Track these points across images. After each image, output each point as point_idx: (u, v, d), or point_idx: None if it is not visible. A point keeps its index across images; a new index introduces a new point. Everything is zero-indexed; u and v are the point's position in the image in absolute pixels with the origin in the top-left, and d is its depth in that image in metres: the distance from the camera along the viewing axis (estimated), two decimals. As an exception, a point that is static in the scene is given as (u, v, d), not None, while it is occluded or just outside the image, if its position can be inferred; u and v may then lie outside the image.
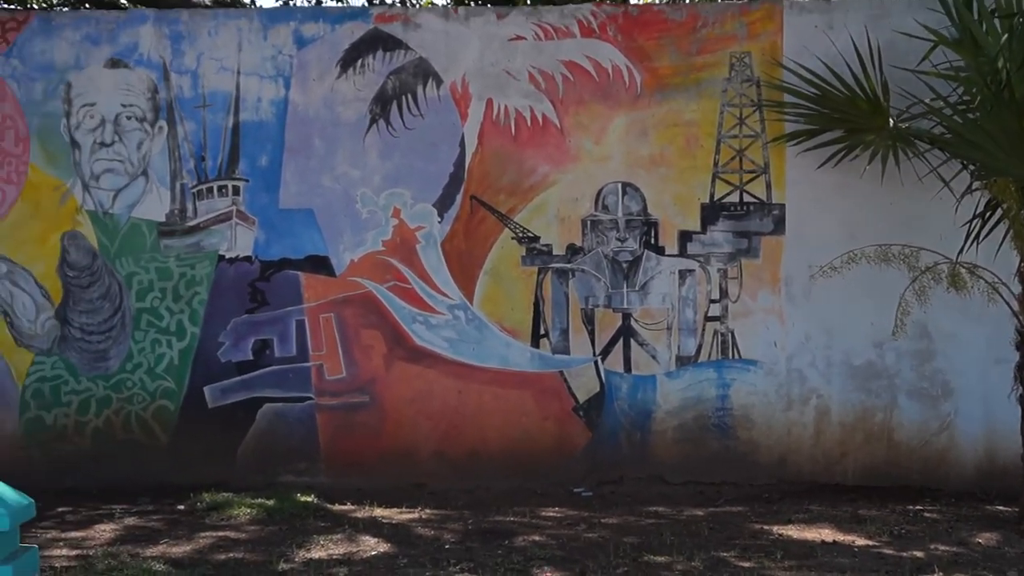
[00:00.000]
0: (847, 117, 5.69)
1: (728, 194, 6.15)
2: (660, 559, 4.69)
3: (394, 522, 5.48)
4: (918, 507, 5.65)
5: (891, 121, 5.55)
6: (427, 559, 4.70)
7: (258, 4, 11.26)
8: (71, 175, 6.18)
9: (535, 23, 6.21)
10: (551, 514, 5.69)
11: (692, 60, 6.13)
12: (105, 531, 5.34)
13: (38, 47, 6.16)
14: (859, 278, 5.95)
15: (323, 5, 10.79)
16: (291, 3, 11.29)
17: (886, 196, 5.80)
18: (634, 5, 7.17)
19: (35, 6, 9.96)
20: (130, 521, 5.56)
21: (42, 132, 6.16)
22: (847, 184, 5.89)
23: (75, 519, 5.61)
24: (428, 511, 5.71)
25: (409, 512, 5.69)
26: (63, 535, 5.23)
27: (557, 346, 6.19)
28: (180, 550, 4.91)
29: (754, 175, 6.16)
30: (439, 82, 6.22)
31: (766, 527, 5.26)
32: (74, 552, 4.86)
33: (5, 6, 9.25)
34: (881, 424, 6.07)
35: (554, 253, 6.18)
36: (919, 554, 4.64)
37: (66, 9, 9.35)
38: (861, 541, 4.92)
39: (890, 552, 4.70)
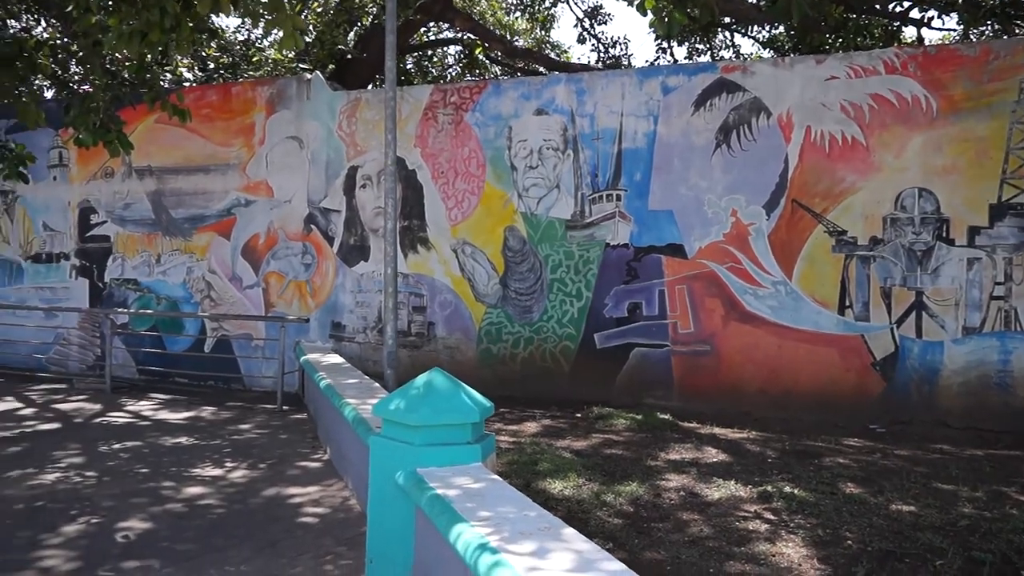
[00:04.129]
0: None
1: (1015, 196, 8.11)
2: (947, 487, 5.62)
3: (728, 438, 7.55)
4: None
5: None
6: (755, 468, 6.37)
7: (633, 64, 15.17)
8: (511, 189, 9.84)
9: (847, 65, 8.66)
10: (851, 443, 7.40)
11: (984, 87, 8.14)
12: (530, 427, 8.04)
13: (491, 103, 9.95)
14: None
15: (680, 62, 14.16)
16: (656, 63, 15.05)
17: None
18: (931, 45, 9.28)
19: (488, 76, 14.63)
20: (545, 422, 8.30)
21: (493, 160, 9.91)
22: None
23: (512, 418, 8.48)
24: (753, 433, 7.80)
25: (739, 432, 7.83)
26: (505, 428, 7.95)
27: (859, 315, 8.52)
28: (579, 444, 7.21)
29: (1039, 180, 8.00)
30: (768, 114, 8.91)
31: (1042, 470, 6.11)
32: (511, 440, 7.34)
33: (470, 78, 13.92)
34: None
35: (859, 243, 8.50)
36: None
37: (506, 77, 13.70)
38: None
39: None
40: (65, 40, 9.46)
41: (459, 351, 9.94)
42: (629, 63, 16.23)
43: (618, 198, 9.36)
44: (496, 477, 3.78)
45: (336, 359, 8.94)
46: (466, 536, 2.99)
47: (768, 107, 8.85)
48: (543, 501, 4.46)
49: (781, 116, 8.79)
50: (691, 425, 8.11)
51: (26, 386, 10.78)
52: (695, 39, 15.28)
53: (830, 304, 8.62)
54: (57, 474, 6.20)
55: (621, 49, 16.58)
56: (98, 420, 8.54)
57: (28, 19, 13.99)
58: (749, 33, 15.39)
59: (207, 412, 9.12)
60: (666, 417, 8.24)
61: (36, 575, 4.16)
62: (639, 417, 8.19)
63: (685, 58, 15.64)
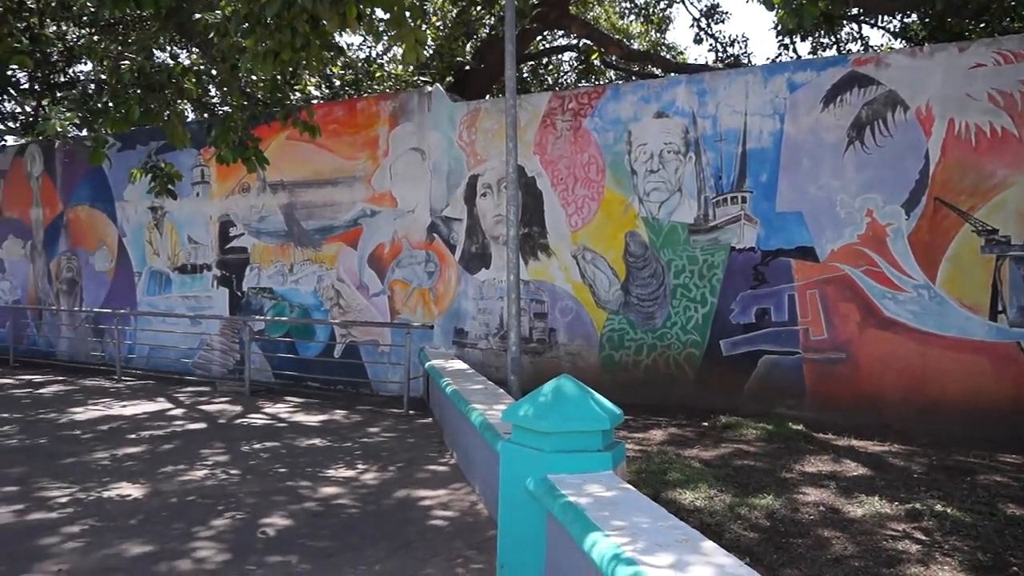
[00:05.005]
0: None
1: None
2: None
3: (868, 451, 7.17)
4: None
5: None
6: (900, 483, 6.04)
7: (752, 63, 14.82)
8: (631, 193, 9.73)
9: (995, 51, 8.05)
10: (1008, 459, 6.91)
11: None
12: (656, 436, 7.90)
13: (610, 108, 9.88)
14: None
15: (806, 58, 13.67)
16: (777, 60, 14.59)
17: None
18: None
19: (604, 81, 14.67)
20: (671, 431, 8.14)
21: (613, 165, 9.83)
22: None
23: (636, 426, 8.36)
24: (896, 446, 7.38)
25: (880, 445, 7.43)
26: (630, 436, 7.82)
27: (1015, 320, 7.88)
28: (708, 454, 7.03)
29: None
30: (905, 108, 8.39)
31: None
32: (638, 448, 7.23)
33: (586, 84, 14.00)
34: None
35: (1012, 243, 7.90)
36: None
37: (622, 81, 13.65)
38: None
39: None
40: (205, 65, 10.06)
41: (581, 357, 9.90)
42: (749, 62, 15.76)
43: (743, 200, 9.09)
44: (628, 486, 3.72)
45: (460, 365, 9.08)
46: (601, 545, 2.94)
47: (905, 100, 8.37)
48: (674, 512, 4.33)
49: (920, 109, 8.30)
50: (826, 436, 7.81)
51: (175, 388, 11.53)
52: (820, 33, 14.64)
53: (980, 309, 8.05)
54: (205, 471, 6.58)
55: (740, 48, 16.14)
56: (239, 421, 9.02)
57: (173, 48, 15.03)
58: (879, 23, 14.61)
59: (338, 415, 9.46)
60: (799, 427, 7.96)
61: (190, 564, 4.41)
62: (770, 427, 7.95)
63: (809, 54, 15.04)
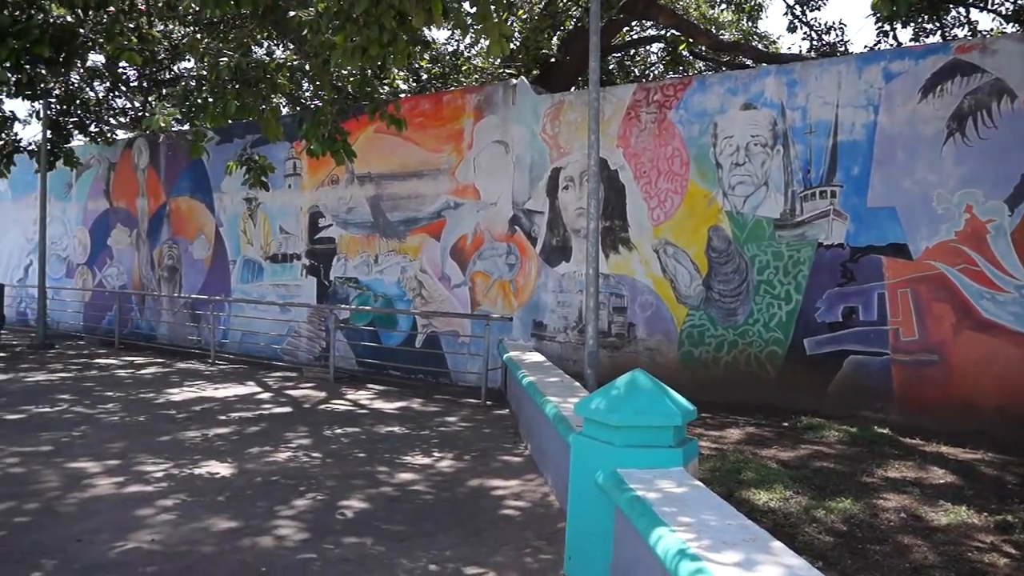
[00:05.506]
0: None
1: None
2: None
3: (959, 459, 6.86)
4: None
5: None
6: (990, 494, 5.75)
7: (850, 51, 14.31)
8: (716, 187, 9.54)
9: (1114, 37, 7.57)
10: None
11: None
12: (733, 434, 7.77)
13: (696, 100, 9.72)
14: None
15: (906, 45, 13.12)
16: (876, 48, 14.07)
17: None
18: None
19: (691, 73, 14.52)
20: (749, 430, 7.99)
21: (697, 158, 9.66)
22: None
23: (713, 424, 8.25)
24: (989, 454, 7.04)
25: (971, 453, 7.10)
26: (705, 433, 7.72)
27: None
28: (786, 455, 6.84)
29: None
30: (1013, 97, 7.92)
31: None
32: (713, 446, 7.12)
33: (672, 75, 13.90)
34: None
35: None
36: None
37: (711, 72, 13.42)
38: None
39: None
40: (299, 61, 10.41)
41: (659, 353, 9.80)
42: (846, 50, 15.18)
43: (833, 195, 8.80)
44: (698, 483, 3.69)
45: (538, 357, 9.14)
46: (667, 540, 2.94)
47: (1013, 89, 7.93)
48: (747, 512, 4.26)
49: (1029, 99, 7.84)
50: (913, 441, 7.52)
51: (264, 373, 12.00)
52: (922, 19, 13.98)
53: (1088, 312, 7.56)
54: (289, 453, 6.84)
55: (836, 36, 15.56)
56: (323, 406, 9.32)
57: (269, 44, 15.58)
58: (989, 6, 13.82)
59: (416, 403, 9.67)
60: (884, 431, 7.70)
61: (272, 541, 4.61)
62: (853, 430, 7.71)
63: (911, 40, 14.38)
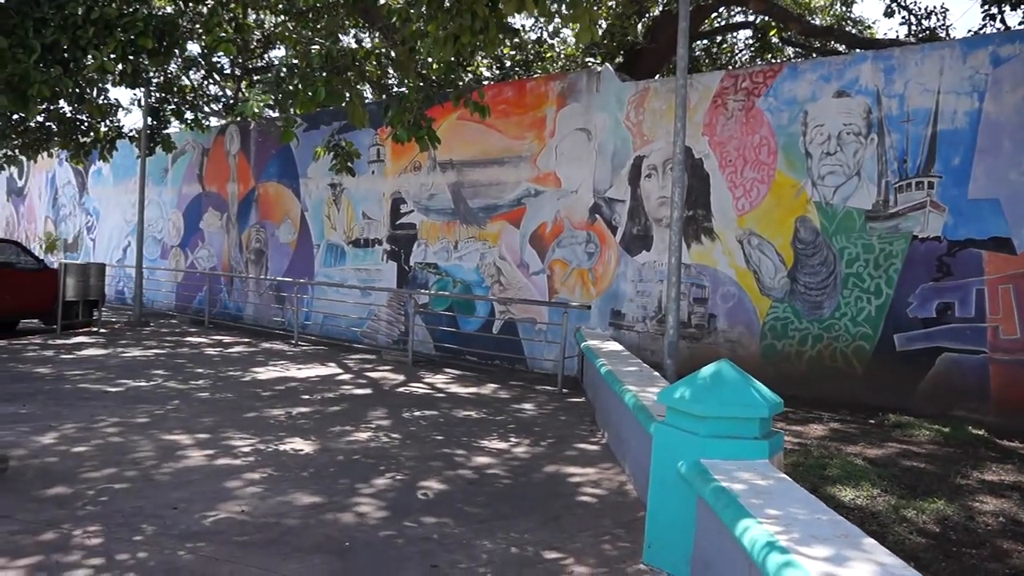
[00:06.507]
0: None
1: None
2: None
3: None
4: None
5: None
6: None
7: (952, 36, 13.67)
8: (804, 177, 9.25)
9: None
10: None
11: None
12: (816, 429, 7.60)
13: (786, 87, 9.43)
14: None
15: (1016, 29, 12.44)
16: (981, 32, 13.40)
17: None
18: None
19: (781, 60, 14.15)
20: (834, 425, 7.80)
21: (786, 147, 9.37)
22: None
23: (796, 418, 8.09)
24: None
25: None
26: (788, 428, 7.54)
27: None
28: (873, 452, 6.64)
29: None
30: None
31: None
32: (796, 441, 6.97)
33: (760, 62, 13.56)
34: None
35: None
36: None
37: (800, 59, 13.05)
38: None
39: None
40: (386, 49, 10.57)
41: (740, 345, 9.60)
42: (947, 35, 14.47)
43: (930, 186, 8.42)
44: (784, 476, 3.60)
45: (616, 346, 9.08)
46: (753, 532, 2.88)
47: None
48: (832, 508, 4.14)
49: None
50: (1012, 444, 7.22)
51: (344, 355, 12.29)
52: (1033, 2, 13.20)
53: None
54: (369, 433, 6.99)
55: (937, 20, 14.84)
56: (401, 389, 9.49)
57: (357, 33, 15.87)
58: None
59: (493, 389, 9.74)
60: (979, 432, 7.41)
61: (354, 517, 4.72)
62: (946, 430, 7.44)
63: (1020, 24, 13.60)
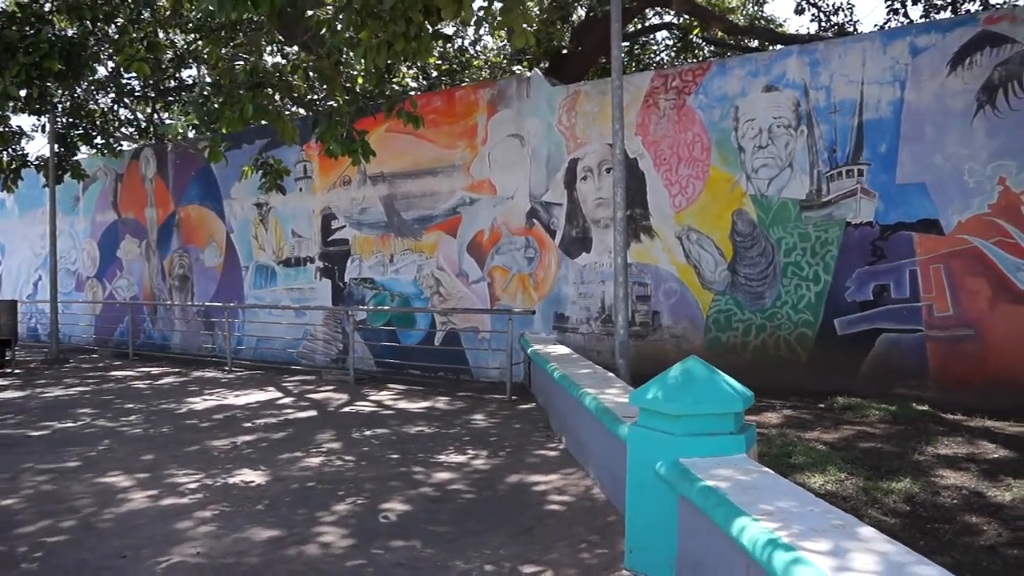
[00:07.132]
0: None
1: None
2: None
3: (1007, 432, 6.76)
4: None
5: None
6: None
7: (858, 31, 14.09)
8: (738, 171, 9.37)
9: None
10: None
11: None
12: (772, 418, 7.67)
13: (716, 84, 9.54)
14: None
15: (932, 20, 12.93)
16: (886, 27, 13.85)
17: None
18: None
19: (702, 59, 14.27)
20: (787, 413, 7.88)
21: (719, 142, 9.49)
22: None
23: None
24: None
25: (1018, 426, 6.99)
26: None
27: None
28: (830, 436, 6.75)
29: None
30: (1043, 66, 7.82)
31: None
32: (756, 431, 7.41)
33: (682, 62, 13.67)
34: None
35: None
36: None
37: (729, 57, 13.24)
38: None
39: None
40: (312, 62, 10.27)
41: (685, 340, 9.64)
42: (854, 30, 14.97)
43: (860, 173, 8.63)
44: (767, 469, 3.55)
45: (563, 349, 8.99)
46: (752, 530, 2.79)
47: (1042, 58, 7.74)
48: (808, 497, 4.12)
49: (1060, 67, 7.66)
50: (956, 417, 7.43)
51: (282, 378, 11.87)
52: (932, -6, 13.77)
53: None
54: (321, 458, 6.70)
55: (844, 16, 15.35)
56: (347, 409, 9.19)
57: (274, 48, 15.44)
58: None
59: (441, 402, 9.53)
60: (924, 408, 7.61)
61: (318, 549, 4.47)
62: (893, 408, 7.62)
63: (921, 17, 14.15)
